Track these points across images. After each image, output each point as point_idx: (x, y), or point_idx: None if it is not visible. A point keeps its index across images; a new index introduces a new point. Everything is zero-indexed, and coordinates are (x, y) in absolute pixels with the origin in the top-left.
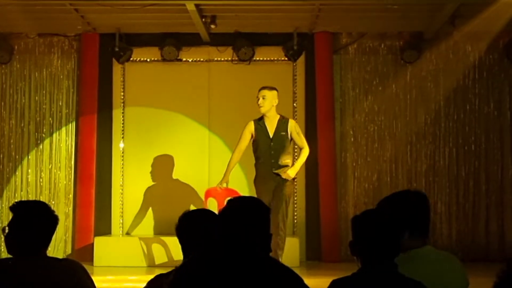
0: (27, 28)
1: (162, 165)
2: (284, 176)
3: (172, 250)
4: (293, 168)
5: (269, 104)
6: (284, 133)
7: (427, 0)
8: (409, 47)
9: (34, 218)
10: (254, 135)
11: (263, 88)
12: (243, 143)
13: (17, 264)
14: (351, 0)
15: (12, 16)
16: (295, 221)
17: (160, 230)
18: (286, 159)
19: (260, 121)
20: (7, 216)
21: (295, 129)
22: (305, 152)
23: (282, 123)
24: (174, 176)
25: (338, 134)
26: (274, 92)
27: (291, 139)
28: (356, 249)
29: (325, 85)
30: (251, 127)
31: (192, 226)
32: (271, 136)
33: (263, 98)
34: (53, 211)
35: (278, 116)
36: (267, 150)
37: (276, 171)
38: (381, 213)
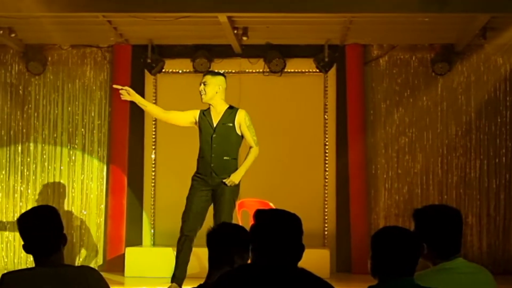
0: (61, 39)
1: None
2: (228, 183)
3: (204, 261)
4: (237, 172)
5: (212, 91)
6: (230, 124)
7: (458, 12)
8: (440, 59)
9: (39, 223)
10: (198, 125)
11: (207, 73)
12: (178, 113)
13: (35, 274)
14: (382, 13)
15: (46, 28)
16: (326, 232)
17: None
18: (231, 155)
19: (205, 111)
20: None
21: (244, 121)
22: (254, 152)
23: (230, 113)
24: None
25: (369, 146)
26: (220, 78)
27: (242, 134)
28: (375, 266)
29: (356, 97)
30: (195, 112)
31: (222, 241)
32: (214, 126)
33: (204, 85)
34: (55, 210)
35: (227, 106)
36: (208, 142)
37: (215, 169)
38: (400, 231)
